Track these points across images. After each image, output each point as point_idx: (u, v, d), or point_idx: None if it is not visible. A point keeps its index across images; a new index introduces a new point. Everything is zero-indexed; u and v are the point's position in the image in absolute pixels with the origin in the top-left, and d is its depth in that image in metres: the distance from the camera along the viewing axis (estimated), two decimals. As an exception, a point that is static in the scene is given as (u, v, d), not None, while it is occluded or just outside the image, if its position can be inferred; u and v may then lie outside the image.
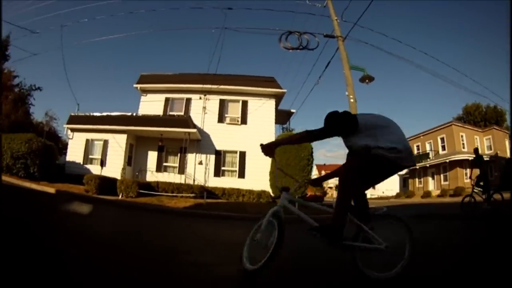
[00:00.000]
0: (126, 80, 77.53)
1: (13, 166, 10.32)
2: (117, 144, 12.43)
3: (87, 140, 12.81)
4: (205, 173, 12.71)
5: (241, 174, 12.72)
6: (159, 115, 12.65)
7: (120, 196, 10.51)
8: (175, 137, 12.40)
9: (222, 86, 12.77)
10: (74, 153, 13.03)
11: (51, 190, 9.80)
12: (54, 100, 52.81)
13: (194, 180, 12.45)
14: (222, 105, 13.10)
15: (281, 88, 13.27)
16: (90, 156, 12.81)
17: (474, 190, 6.81)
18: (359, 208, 2.05)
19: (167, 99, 13.16)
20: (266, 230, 1.97)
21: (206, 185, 12.39)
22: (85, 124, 12.84)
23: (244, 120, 12.99)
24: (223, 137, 12.83)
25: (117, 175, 11.64)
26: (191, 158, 12.69)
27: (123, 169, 12.32)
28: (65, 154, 14.34)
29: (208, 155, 12.77)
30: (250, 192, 12.04)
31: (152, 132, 12.26)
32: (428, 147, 22.52)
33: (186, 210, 8.72)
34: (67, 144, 19.62)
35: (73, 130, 13.13)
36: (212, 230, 5.40)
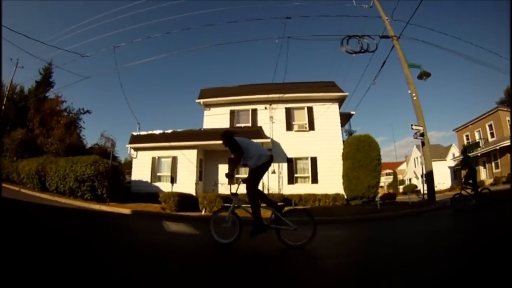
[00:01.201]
0: (180, 96, 76.98)
1: (77, 189, 10.13)
2: (187, 160, 12.18)
3: (154, 158, 12.54)
4: (279, 181, 12.51)
5: (314, 180, 12.55)
6: (230, 128, 12.53)
7: (203, 212, 10.21)
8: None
9: (287, 95, 12.78)
10: (140, 172, 12.73)
11: (125, 210, 9.48)
12: (102, 122, 52.64)
13: (268, 190, 12.22)
14: (288, 113, 13.06)
15: (342, 92, 13.35)
16: (158, 174, 12.51)
17: (463, 188, 7.41)
18: (274, 204, 3.41)
19: (232, 112, 13.07)
20: (231, 221, 3.39)
21: (281, 193, 12.21)
22: (149, 142, 12.60)
23: (311, 126, 12.94)
24: (293, 144, 12.73)
25: (189, 191, 11.36)
26: (262, 168, 12.48)
27: (196, 184, 12.06)
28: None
29: (280, 164, 12.60)
30: (326, 196, 11.89)
31: (222, 145, 12.05)
32: (477, 136, 22.43)
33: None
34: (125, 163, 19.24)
35: (136, 149, 12.87)
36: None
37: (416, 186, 25.25)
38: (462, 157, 8.27)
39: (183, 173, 12.09)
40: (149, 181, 12.44)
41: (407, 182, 32.37)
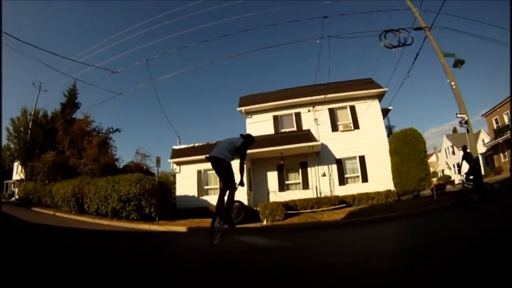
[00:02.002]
0: (220, 106, 74.42)
1: (121, 210, 9.71)
2: (236, 169, 11.89)
3: (199, 171, 12.22)
4: (330, 183, 12.30)
5: (364, 178, 12.37)
6: (275, 134, 12.32)
7: (265, 222, 9.95)
8: (295, 153, 12.04)
9: (329, 95, 12.63)
10: (185, 187, 12.42)
11: (180, 228, 9.16)
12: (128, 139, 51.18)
13: (320, 193, 12.01)
14: (332, 113, 12.88)
15: (381, 87, 13.26)
16: (206, 187, 12.20)
17: (465, 183, 7.71)
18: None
19: (275, 117, 12.85)
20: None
21: (333, 194, 12.01)
22: (193, 155, 12.29)
23: (356, 125, 12.79)
24: (340, 145, 12.54)
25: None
26: (311, 171, 12.29)
27: (248, 194, 11.78)
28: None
29: (330, 166, 12.41)
30: (378, 194, 11.73)
31: (271, 152, 11.84)
32: (506, 119, 22.36)
33: (344, 221, 8.34)
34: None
35: (179, 163, 12.55)
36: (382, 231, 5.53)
37: (449, 177, 25.23)
38: (463, 154, 8.27)
39: (233, 184, 11.79)
40: (196, 195, 12.13)
41: (439, 174, 32.15)
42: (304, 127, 12.62)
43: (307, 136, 11.78)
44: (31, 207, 14.56)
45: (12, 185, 27.26)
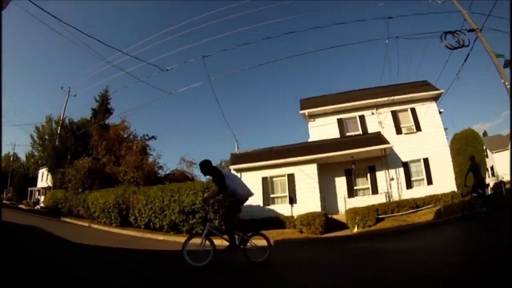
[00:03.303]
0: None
1: (182, 223, 8.67)
2: (306, 175, 11.27)
3: (264, 179, 11.44)
4: (398, 187, 12.00)
5: (429, 181, 12.16)
6: (342, 138, 11.84)
7: (355, 229, 9.46)
8: (363, 158, 11.64)
9: (391, 98, 12.40)
10: (248, 196, 11.57)
11: (262, 242, 8.46)
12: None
13: (389, 197, 11.68)
14: (395, 116, 12.64)
15: (437, 89, 13.26)
16: (272, 196, 11.42)
17: (472, 196, 7.66)
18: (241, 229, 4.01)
19: (339, 120, 12.38)
20: (203, 244, 3.73)
21: (401, 198, 11.71)
22: (256, 161, 11.51)
23: (418, 127, 12.62)
24: (405, 147, 12.27)
25: (312, 210, 10.47)
26: (380, 176, 11.93)
27: (323, 201, 11.17)
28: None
29: (397, 169, 12.11)
30: (445, 195, 11.54)
31: (340, 156, 11.34)
32: None
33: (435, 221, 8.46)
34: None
35: (239, 170, 11.69)
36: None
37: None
38: (470, 164, 8.12)
39: (302, 191, 11.15)
40: (262, 205, 11.32)
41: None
42: (369, 130, 12.26)
43: (378, 138, 11.41)
44: (60, 217, 13.10)
45: (37, 192, 25.22)
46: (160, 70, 11.66)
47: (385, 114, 12.53)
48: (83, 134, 14.22)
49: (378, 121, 12.39)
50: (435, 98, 13.29)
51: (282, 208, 11.07)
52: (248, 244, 3.94)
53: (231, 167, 11.49)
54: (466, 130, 12.39)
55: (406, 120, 12.78)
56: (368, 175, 11.94)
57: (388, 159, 12.07)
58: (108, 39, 11.80)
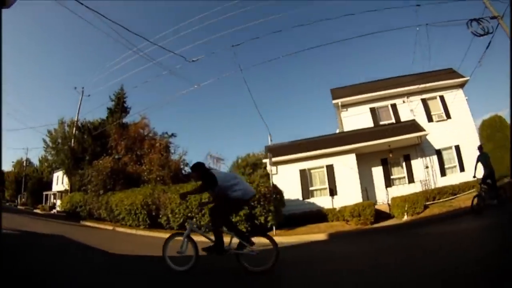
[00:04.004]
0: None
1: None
2: (345, 166, 10.98)
3: (302, 171, 11.08)
4: (432, 175, 11.90)
5: (462, 168, 12.16)
6: (376, 127, 11.63)
7: (405, 217, 9.24)
8: (400, 146, 11.47)
9: (421, 85, 12.30)
10: (285, 190, 11.15)
11: (320, 236, 8.18)
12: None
13: (425, 185, 11.56)
14: (425, 104, 12.56)
15: (463, 77, 13.28)
16: (311, 188, 11.07)
17: (482, 188, 7.22)
18: (235, 228, 3.47)
19: (372, 109, 12.17)
20: (185, 246, 3.28)
21: (436, 186, 11.62)
22: (293, 153, 11.13)
23: (448, 115, 12.59)
24: (437, 135, 12.21)
25: (353, 201, 10.22)
26: (415, 164, 11.79)
27: (365, 191, 10.90)
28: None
29: (430, 157, 12.01)
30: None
31: (378, 145, 11.13)
32: None
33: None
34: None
35: (275, 163, 11.25)
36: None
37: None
38: (478, 154, 7.75)
39: (342, 182, 10.85)
40: (301, 198, 10.96)
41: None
42: (402, 118, 12.12)
43: (414, 126, 11.26)
44: (79, 220, 12.37)
45: (52, 196, 24.15)
46: (186, 61, 11.10)
47: (416, 102, 12.41)
48: (100, 134, 13.46)
49: (410, 109, 12.26)
50: (461, 85, 13.30)
51: (322, 201, 10.74)
52: (245, 249, 3.25)
53: (266, 160, 11.04)
54: (494, 117, 12.47)
55: (436, 107, 12.71)
56: (404, 164, 11.78)
57: (422, 147, 11.96)
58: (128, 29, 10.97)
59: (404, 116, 12.17)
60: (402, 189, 11.19)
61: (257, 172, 17.72)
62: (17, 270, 2.89)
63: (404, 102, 12.34)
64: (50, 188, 26.40)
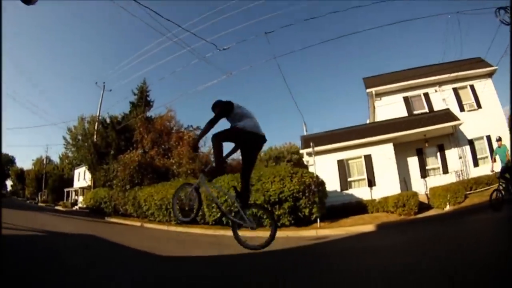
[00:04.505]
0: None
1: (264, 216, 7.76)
2: (383, 156, 10.80)
3: (340, 161, 10.88)
4: (465, 165, 11.83)
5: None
6: (410, 116, 11.47)
7: (447, 207, 9.14)
8: (434, 136, 11.35)
9: (452, 74, 12.17)
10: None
11: (367, 227, 8.02)
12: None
13: (460, 176, 11.48)
14: (456, 93, 12.45)
15: (492, 66, 13.21)
16: (349, 179, 10.88)
17: (500, 183, 6.75)
18: (243, 195, 3.05)
19: (405, 98, 12.00)
20: (190, 198, 3.12)
21: (469, 177, 11.56)
22: (330, 143, 10.90)
23: (478, 104, 12.51)
24: (469, 125, 12.08)
25: (391, 192, 10.09)
26: (449, 154, 11.69)
27: (404, 182, 10.75)
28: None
29: (464, 147, 11.92)
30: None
31: (414, 135, 10.98)
32: None
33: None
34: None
35: (310, 154, 11.02)
36: None
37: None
38: (497, 146, 7.38)
39: (381, 172, 10.69)
40: (339, 189, 10.77)
41: None
42: (434, 108, 12.00)
43: (448, 115, 11.14)
44: (104, 217, 12.03)
45: (74, 193, 23.75)
46: (217, 49, 10.74)
47: (448, 92, 12.29)
48: (123, 129, 13.02)
49: (442, 98, 12.13)
50: (490, 75, 13.23)
51: (360, 192, 10.58)
52: (242, 217, 2.94)
53: (304, 151, 10.82)
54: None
55: (467, 97, 12.62)
56: (438, 154, 11.67)
57: (455, 137, 11.86)
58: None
59: (437, 106, 12.03)
60: (437, 180, 11.08)
61: (281, 165, 17.55)
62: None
63: (436, 91, 12.22)
64: (71, 185, 26.33)
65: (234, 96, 62.87)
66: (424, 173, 11.47)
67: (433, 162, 11.76)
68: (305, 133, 11.44)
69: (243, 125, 2.91)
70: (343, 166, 10.68)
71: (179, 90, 57.73)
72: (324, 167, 10.91)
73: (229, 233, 7.33)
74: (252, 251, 3.06)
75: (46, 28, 60.59)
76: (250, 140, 2.97)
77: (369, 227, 7.98)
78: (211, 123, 2.96)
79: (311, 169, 11.35)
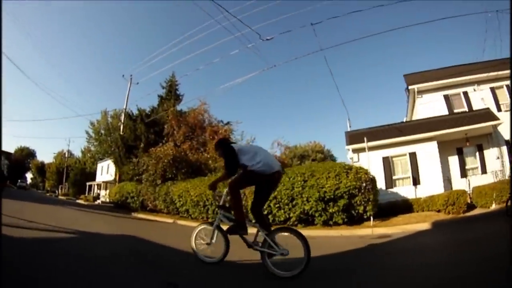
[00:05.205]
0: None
1: (319, 213, 7.40)
2: (427, 154, 10.64)
3: (385, 159, 10.66)
4: (503, 166, 11.82)
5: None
6: (451, 115, 11.36)
7: (493, 206, 9.06)
8: (473, 135, 11.29)
9: (491, 74, 12.12)
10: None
11: (422, 225, 7.86)
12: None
13: (497, 176, 11.46)
14: (493, 92, 12.42)
15: (525, 67, 13.25)
16: (394, 177, 10.68)
17: None
18: (263, 222, 2.93)
19: (446, 96, 11.87)
20: (214, 236, 3.08)
21: (506, 177, 11.57)
22: (375, 140, 10.65)
23: (514, 105, 12.55)
24: (506, 125, 12.15)
25: (436, 191, 9.97)
26: (488, 154, 11.65)
27: (447, 181, 10.62)
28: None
29: (500, 148, 11.91)
30: None
31: (455, 133, 10.87)
32: None
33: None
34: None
35: (356, 150, 10.79)
36: None
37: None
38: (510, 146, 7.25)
39: (425, 171, 10.53)
40: (384, 187, 10.55)
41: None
42: (473, 107, 11.93)
43: (488, 114, 11.07)
44: (130, 212, 11.50)
45: (96, 186, 22.94)
46: (260, 39, 10.29)
47: (486, 91, 12.24)
48: (152, 122, 12.40)
49: (481, 97, 12.06)
50: (525, 75, 13.27)
51: (404, 190, 10.39)
52: (271, 245, 2.75)
53: (349, 147, 10.52)
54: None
55: (503, 97, 12.60)
56: (477, 153, 11.60)
57: (493, 137, 11.82)
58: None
59: (475, 105, 11.97)
60: (476, 180, 11.02)
61: (305, 164, 17.24)
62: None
63: (474, 90, 12.14)
64: (93, 179, 25.74)
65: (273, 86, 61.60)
66: (464, 173, 11.38)
67: (472, 161, 11.69)
68: (348, 129, 11.17)
69: (257, 166, 2.85)
70: (388, 164, 10.47)
71: (212, 84, 57.03)
72: (369, 164, 10.68)
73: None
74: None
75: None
76: (267, 180, 2.91)
77: (425, 225, 7.76)
78: (226, 174, 3.05)
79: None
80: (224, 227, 3.11)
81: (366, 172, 8.29)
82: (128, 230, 6.41)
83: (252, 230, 3.00)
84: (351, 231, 7.50)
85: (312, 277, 2.74)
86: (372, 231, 7.50)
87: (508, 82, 12.73)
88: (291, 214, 7.71)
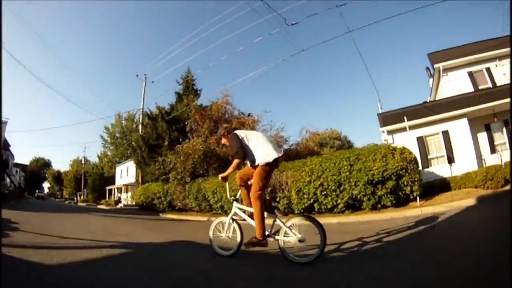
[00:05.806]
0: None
1: (367, 197, 7.22)
2: (459, 132, 10.60)
3: (420, 138, 10.56)
4: (526, 148, 11.94)
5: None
6: (476, 91, 11.34)
7: None
8: (501, 110, 11.33)
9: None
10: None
11: (468, 201, 7.82)
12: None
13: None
14: (514, 68, 12.50)
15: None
16: (429, 157, 10.60)
17: None
18: (269, 207, 3.01)
19: (470, 73, 11.83)
20: (229, 229, 3.13)
21: None
22: (407, 121, 10.52)
23: (534, 79, 12.65)
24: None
25: (469, 169, 9.97)
26: (513, 129, 11.76)
27: (480, 157, 10.62)
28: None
29: (523, 126, 12.03)
30: None
31: (482, 110, 10.87)
32: None
33: None
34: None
35: (390, 132, 10.63)
36: None
37: None
38: None
39: (458, 148, 10.50)
40: (420, 167, 10.45)
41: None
42: (496, 82, 11.95)
43: (515, 89, 11.10)
44: (158, 213, 11.09)
45: (116, 190, 21.94)
46: (285, 24, 9.94)
47: (507, 66, 12.27)
48: (173, 119, 11.86)
49: (503, 73, 12.09)
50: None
51: (440, 169, 10.34)
52: (287, 232, 2.77)
53: (384, 128, 10.35)
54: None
55: (524, 72, 12.70)
56: (504, 129, 11.66)
57: (516, 113, 11.92)
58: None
59: (498, 80, 11.99)
60: (504, 155, 11.08)
61: (324, 151, 17.03)
62: None
63: (496, 65, 12.15)
64: (113, 183, 25.28)
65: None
66: (493, 149, 11.42)
67: (499, 137, 11.74)
68: (380, 110, 10.99)
69: (263, 158, 2.87)
70: (422, 143, 10.38)
71: (233, 75, 56.50)
72: (404, 145, 10.58)
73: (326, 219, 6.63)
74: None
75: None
76: (271, 166, 2.93)
77: (471, 201, 7.67)
78: (238, 154, 2.98)
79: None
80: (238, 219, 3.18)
81: (410, 152, 8.10)
82: (177, 235, 5.66)
83: (268, 221, 2.93)
84: (401, 212, 7.32)
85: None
86: (421, 210, 7.34)
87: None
88: (339, 201, 7.45)
